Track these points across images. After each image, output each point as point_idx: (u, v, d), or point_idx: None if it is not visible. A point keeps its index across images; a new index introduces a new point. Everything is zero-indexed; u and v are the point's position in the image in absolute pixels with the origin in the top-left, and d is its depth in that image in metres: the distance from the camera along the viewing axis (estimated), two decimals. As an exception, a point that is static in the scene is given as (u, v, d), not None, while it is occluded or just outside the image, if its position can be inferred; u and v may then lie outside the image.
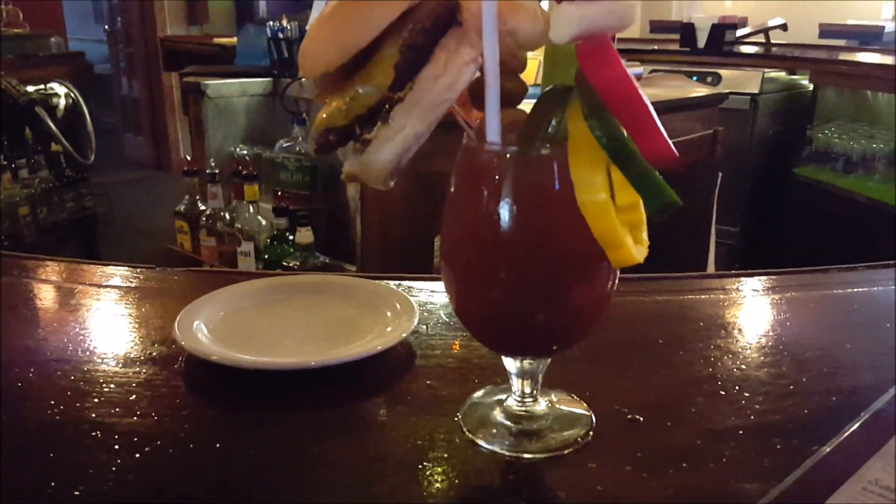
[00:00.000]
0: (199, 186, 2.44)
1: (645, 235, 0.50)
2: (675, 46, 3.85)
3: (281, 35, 2.52)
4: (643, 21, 7.12)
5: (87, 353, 0.66)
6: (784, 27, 3.79)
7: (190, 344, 0.61)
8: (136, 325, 0.72)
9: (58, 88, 3.50)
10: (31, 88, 3.38)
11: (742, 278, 0.88)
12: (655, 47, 3.99)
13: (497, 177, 0.48)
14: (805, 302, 0.81)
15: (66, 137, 3.42)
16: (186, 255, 2.41)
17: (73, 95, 3.55)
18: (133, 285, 0.84)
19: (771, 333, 0.72)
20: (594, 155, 0.45)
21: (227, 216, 2.32)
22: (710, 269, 2.67)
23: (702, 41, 3.59)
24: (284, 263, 2.07)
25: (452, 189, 0.52)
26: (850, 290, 0.84)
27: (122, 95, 6.55)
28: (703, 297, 0.82)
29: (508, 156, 0.48)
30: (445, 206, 0.53)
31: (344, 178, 0.48)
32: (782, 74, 3.41)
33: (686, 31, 3.68)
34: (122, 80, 6.53)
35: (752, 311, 0.79)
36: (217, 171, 2.38)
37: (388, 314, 0.68)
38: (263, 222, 2.27)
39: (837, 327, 0.75)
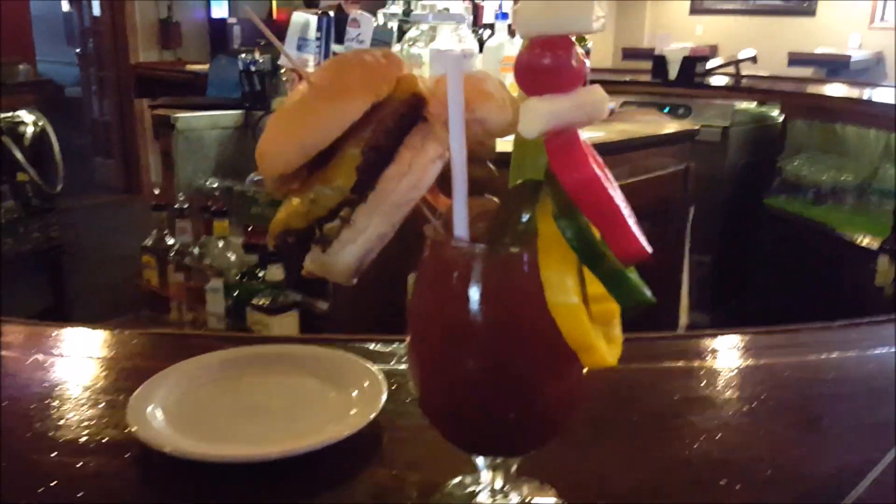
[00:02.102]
0: (167, 220, 2.40)
1: (618, 331, 0.49)
2: (647, 77, 3.89)
3: (253, 67, 2.50)
4: (616, 48, 7.22)
5: (33, 438, 0.63)
6: (754, 59, 3.84)
7: (143, 432, 0.58)
8: (89, 403, 0.69)
9: (25, 116, 3.44)
10: (0, 116, 3.32)
11: (717, 338, 0.87)
12: (628, 78, 4.02)
13: (465, 274, 0.46)
14: (781, 370, 0.80)
15: (34, 166, 3.36)
16: (154, 291, 2.36)
17: (40, 123, 3.49)
18: (90, 354, 0.80)
19: (746, 409, 0.70)
20: (565, 255, 0.43)
21: (196, 251, 2.28)
22: (684, 300, 2.68)
23: (673, 73, 3.63)
24: (254, 301, 2.03)
25: (418, 281, 0.49)
26: (825, 354, 0.83)
27: (94, 119, 6.47)
28: (677, 364, 0.81)
29: (476, 253, 0.46)
30: (412, 296, 0.51)
31: (304, 275, 0.46)
32: (752, 106, 3.45)
33: (657, 63, 3.72)
34: (93, 104, 6.45)
35: (727, 382, 0.77)
36: (186, 206, 2.34)
37: (354, 393, 0.66)
38: (233, 258, 2.23)
39: (813, 399, 0.74)
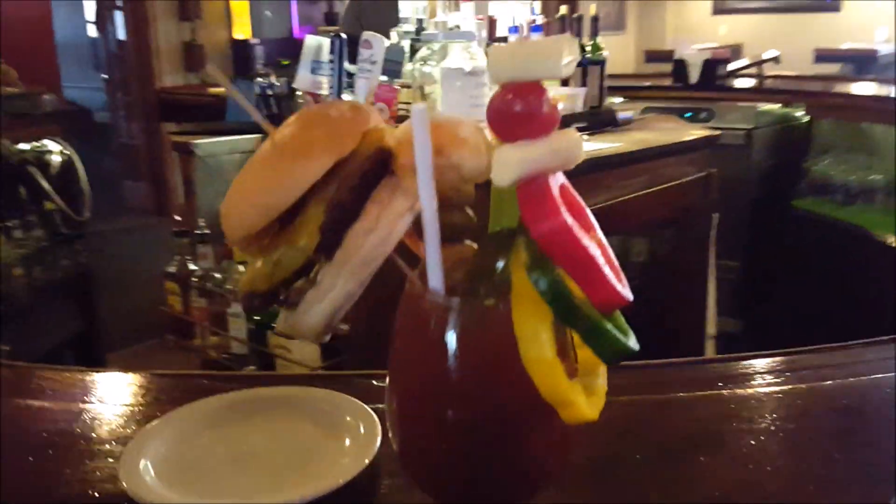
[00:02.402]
0: (189, 246, 2.42)
1: (603, 380, 0.47)
2: (669, 81, 3.85)
3: (270, 91, 2.51)
4: (638, 51, 7.17)
5: (22, 492, 0.63)
6: (777, 60, 3.78)
7: (134, 490, 0.58)
8: (86, 454, 0.69)
9: (51, 145, 3.49)
10: (24, 147, 3.38)
11: (730, 364, 0.84)
12: (648, 84, 3.99)
13: (441, 326, 0.45)
14: (798, 397, 0.77)
15: (61, 194, 3.41)
16: (177, 316, 2.38)
17: (66, 152, 3.54)
18: (89, 400, 0.80)
19: (755, 447, 0.68)
20: (539, 307, 0.42)
21: (218, 276, 2.29)
22: (711, 310, 2.63)
23: (694, 77, 3.58)
24: (274, 325, 2.03)
25: (396, 332, 0.48)
26: (846, 379, 0.80)
27: (122, 142, 6.57)
28: (694, 394, 0.78)
29: (450, 306, 0.45)
30: (391, 347, 0.50)
31: (276, 334, 0.45)
32: (776, 107, 3.39)
33: (678, 67, 3.67)
34: (121, 128, 6.55)
35: (738, 420, 0.74)
36: (207, 231, 2.36)
37: (348, 441, 0.65)
38: (254, 282, 2.24)
39: (833, 434, 0.71)
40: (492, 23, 2.61)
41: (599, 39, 2.60)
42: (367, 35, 2.01)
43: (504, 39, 2.49)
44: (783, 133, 3.39)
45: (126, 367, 0.89)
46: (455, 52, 1.92)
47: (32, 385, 0.84)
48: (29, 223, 3.19)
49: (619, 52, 6.90)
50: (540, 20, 2.44)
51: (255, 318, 2.08)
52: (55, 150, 3.49)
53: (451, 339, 0.45)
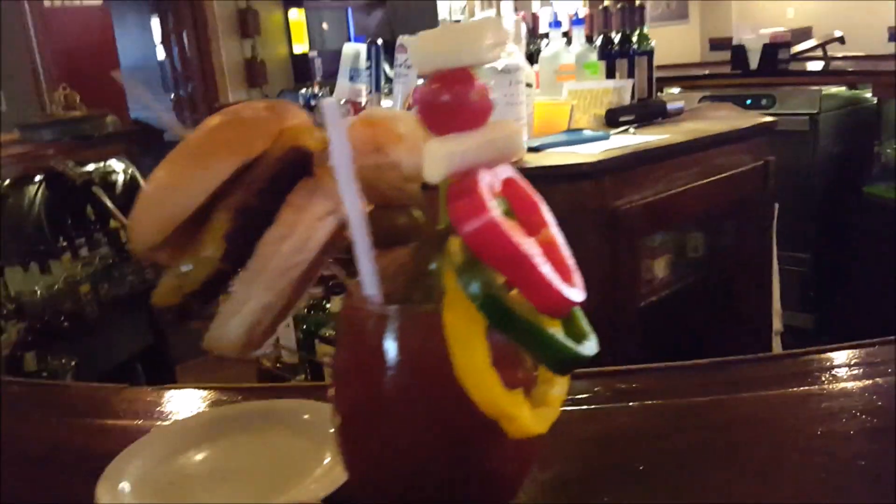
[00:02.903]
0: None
1: (559, 389, 0.43)
2: (729, 69, 3.71)
3: (313, 102, 2.53)
4: (703, 40, 6.97)
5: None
6: (842, 40, 3.61)
7: (106, 508, 0.57)
8: (77, 475, 0.68)
9: (116, 165, 3.61)
10: (89, 167, 3.50)
11: (808, 357, 0.76)
12: (707, 72, 3.86)
13: (378, 337, 0.42)
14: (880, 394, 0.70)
15: (125, 212, 3.52)
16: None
17: (130, 171, 3.65)
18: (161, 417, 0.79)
19: (833, 449, 0.62)
20: (471, 313, 0.39)
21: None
22: (776, 304, 2.51)
23: (754, 62, 3.44)
24: (321, 333, 2.04)
25: (337, 343, 0.46)
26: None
27: (190, 160, 6.75)
28: (759, 393, 0.71)
29: (387, 314, 0.42)
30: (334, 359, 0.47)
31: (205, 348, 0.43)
32: (843, 90, 3.23)
33: (737, 53, 3.54)
34: (188, 146, 6.73)
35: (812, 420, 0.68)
36: (256, 242, 2.39)
37: (328, 457, 0.62)
38: (302, 291, 2.25)
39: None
40: (534, 18, 2.57)
41: (662, 30, 2.52)
42: (401, 39, 2.00)
43: (546, 36, 2.44)
44: (850, 116, 3.22)
45: (196, 379, 0.88)
46: (490, 51, 1.89)
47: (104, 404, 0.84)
48: (95, 241, 3.30)
49: (683, 42, 6.73)
50: (582, 13, 2.38)
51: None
52: (119, 170, 3.60)
53: (391, 349, 0.42)
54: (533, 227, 0.43)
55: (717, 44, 6.36)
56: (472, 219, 0.38)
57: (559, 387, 0.43)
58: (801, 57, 3.72)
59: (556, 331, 0.39)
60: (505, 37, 0.41)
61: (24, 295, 2.81)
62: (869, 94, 3.22)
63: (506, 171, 0.43)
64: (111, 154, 3.64)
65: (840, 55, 3.78)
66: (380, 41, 2.13)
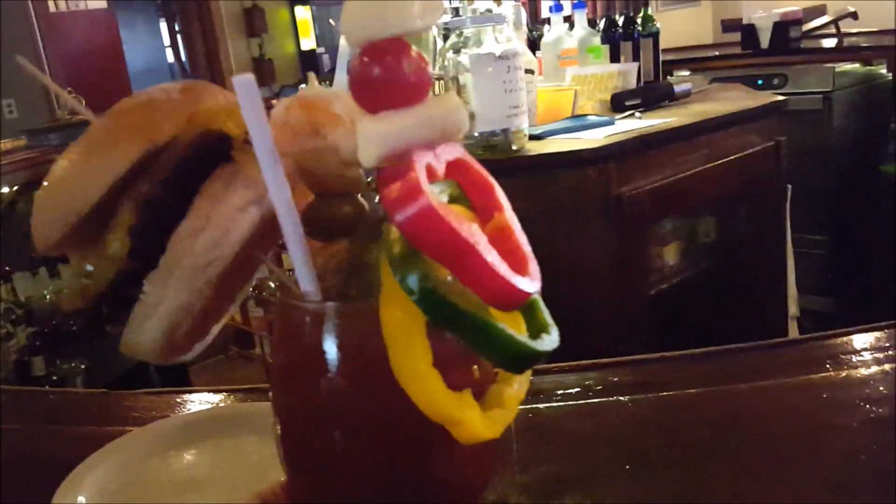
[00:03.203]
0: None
1: (516, 388, 0.39)
2: (739, 49, 3.64)
3: (313, 96, 2.50)
4: (715, 22, 6.86)
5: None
6: (855, 16, 3.52)
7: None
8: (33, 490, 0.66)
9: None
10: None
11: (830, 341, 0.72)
12: (717, 53, 3.78)
13: (314, 335, 0.39)
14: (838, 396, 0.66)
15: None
16: (237, 326, 2.40)
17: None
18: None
19: (858, 437, 0.58)
20: (410, 308, 0.35)
21: (273, 285, 2.29)
22: (792, 288, 2.45)
23: (765, 41, 3.37)
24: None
25: (272, 344, 0.42)
26: None
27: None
28: (781, 381, 0.67)
29: (320, 310, 0.38)
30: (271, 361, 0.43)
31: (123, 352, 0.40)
32: (857, 66, 3.15)
33: (746, 32, 3.47)
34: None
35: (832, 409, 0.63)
36: (261, 240, 2.37)
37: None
38: (308, 289, 2.22)
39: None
40: (536, 4, 2.52)
41: (673, 14, 2.47)
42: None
43: (547, 21, 2.39)
44: (866, 94, 3.14)
45: (210, 380, 0.86)
46: (488, 38, 1.85)
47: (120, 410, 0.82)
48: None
49: (695, 25, 6.62)
50: (583, -3, 2.33)
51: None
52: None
53: (328, 348, 0.38)
54: (486, 211, 0.39)
55: (728, 25, 6.25)
56: (406, 205, 0.34)
57: (517, 385, 0.39)
58: (814, 34, 3.64)
59: (508, 325, 0.36)
60: (438, 5, 0.37)
61: (33, 300, 2.80)
62: (884, 71, 3.14)
63: (454, 152, 0.39)
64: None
65: (854, 31, 3.69)
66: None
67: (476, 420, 0.36)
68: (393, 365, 0.35)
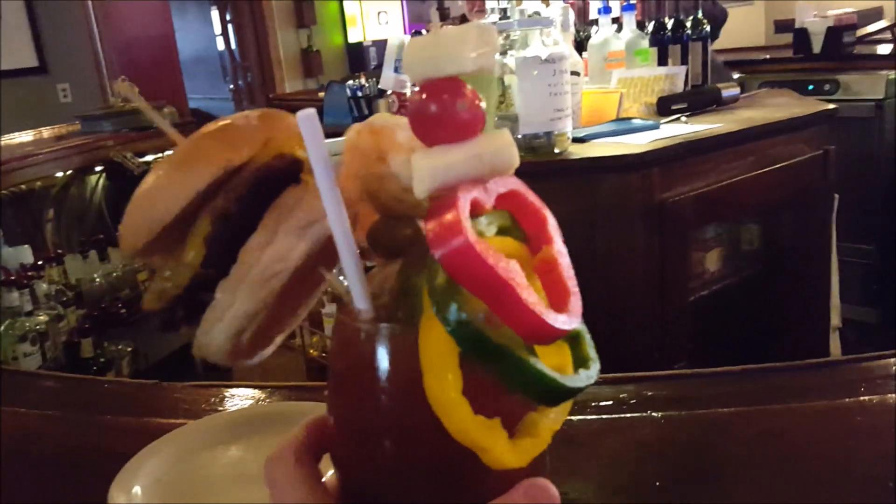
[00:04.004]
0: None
1: (553, 418, 0.41)
2: (790, 53, 3.58)
3: (360, 93, 2.53)
4: (768, 22, 6.74)
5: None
6: (912, 20, 3.44)
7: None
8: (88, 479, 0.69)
9: (172, 156, 3.68)
10: (149, 158, 3.58)
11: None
12: (767, 56, 3.73)
13: (365, 354, 0.41)
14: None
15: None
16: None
17: (186, 161, 3.72)
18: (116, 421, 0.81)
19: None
20: (444, 337, 0.37)
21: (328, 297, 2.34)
22: (835, 298, 2.42)
23: (817, 46, 3.31)
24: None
25: (330, 356, 0.45)
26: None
27: (248, 149, 6.86)
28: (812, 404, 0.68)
29: (372, 331, 0.41)
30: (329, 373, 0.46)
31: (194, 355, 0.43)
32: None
33: (798, 36, 3.41)
34: (247, 135, 6.84)
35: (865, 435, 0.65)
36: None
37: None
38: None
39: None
40: (584, 4, 2.51)
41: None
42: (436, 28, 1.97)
43: (595, 22, 2.38)
44: (920, 102, 3.07)
45: (252, 369, 0.90)
46: (535, 41, 1.85)
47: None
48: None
49: (747, 24, 6.51)
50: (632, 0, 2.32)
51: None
52: (175, 160, 3.67)
53: (373, 366, 0.41)
54: (537, 242, 0.41)
55: (781, 26, 6.14)
56: (445, 241, 0.36)
57: (554, 416, 0.41)
58: (869, 40, 3.57)
59: (553, 354, 0.38)
60: (492, 42, 0.39)
61: (84, 283, 2.89)
62: (940, 78, 3.07)
63: (508, 183, 0.41)
64: (170, 145, 3.71)
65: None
66: (425, 31, 2.11)
67: (502, 448, 0.37)
68: (426, 390, 0.37)
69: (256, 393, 0.85)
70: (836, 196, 2.31)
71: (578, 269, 0.39)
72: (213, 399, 0.85)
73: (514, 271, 0.36)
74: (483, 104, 0.40)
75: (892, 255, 3.12)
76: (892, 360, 0.73)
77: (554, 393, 0.36)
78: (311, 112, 0.37)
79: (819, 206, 2.31)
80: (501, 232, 0.39)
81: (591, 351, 0.39)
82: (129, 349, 2.80)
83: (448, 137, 0.39)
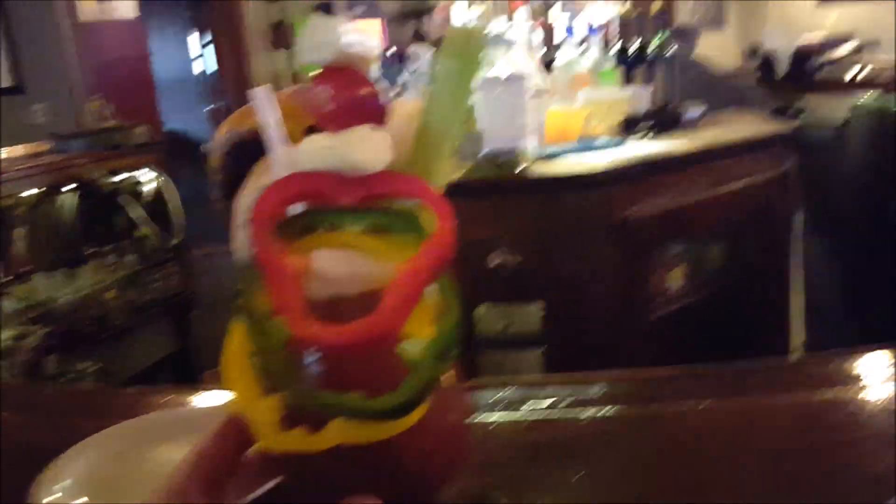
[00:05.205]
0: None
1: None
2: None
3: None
4: (738, 48, 6.84)
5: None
6: (881, 46, 3.52)
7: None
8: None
9: (144, 175, 3.68)
10: (120, 177, 3.57)
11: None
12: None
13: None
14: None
15: (155, 220, 3.58)
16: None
17: (162, 179, 3.71)
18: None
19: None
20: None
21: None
22: (799, 319, 2.45)
23: (782, 71, 3.38)
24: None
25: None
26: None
27: (225, 170, 6.85)
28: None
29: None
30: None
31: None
32: (874, 97, 3.14)
33: (764, 61, 3.48)
34: (224, 156, 6.84)
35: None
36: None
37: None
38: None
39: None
40: (550, 29, 2.54)
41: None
42: (413, 48, 2.01)
43: (561, 43, 2.42)
44: (883, 125, 3.13)
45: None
46: (499, 59, 1.88)
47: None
48: (122, 249, 3.36)
49: (718, 50, 6.60)
50: (597, 23, 2.36)
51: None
52: (146, 180, 3.66)
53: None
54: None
55: (751, 51, 6.26)
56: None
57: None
58: (835, 64, 3.65)
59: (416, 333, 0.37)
60: (333, 37, 0.40)
61: (51, 301, 2.87)
62: (905, 102, 3.13)
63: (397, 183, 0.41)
64: (142, 164, 3.71)
65: (876, 62, 3.69)
66: (393, 50, 2.14)
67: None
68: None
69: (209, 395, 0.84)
70: (800, 215, 2.35)
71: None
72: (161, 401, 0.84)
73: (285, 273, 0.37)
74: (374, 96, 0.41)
75: (860, 276, 3.17)
76: (859, 355, 0.74)
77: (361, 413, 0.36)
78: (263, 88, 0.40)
79: (780, 225, 2.35)
80: (380, 230, 0.39)
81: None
82: (96, 367, 2.77)
83: (325, 125, 0.40)
